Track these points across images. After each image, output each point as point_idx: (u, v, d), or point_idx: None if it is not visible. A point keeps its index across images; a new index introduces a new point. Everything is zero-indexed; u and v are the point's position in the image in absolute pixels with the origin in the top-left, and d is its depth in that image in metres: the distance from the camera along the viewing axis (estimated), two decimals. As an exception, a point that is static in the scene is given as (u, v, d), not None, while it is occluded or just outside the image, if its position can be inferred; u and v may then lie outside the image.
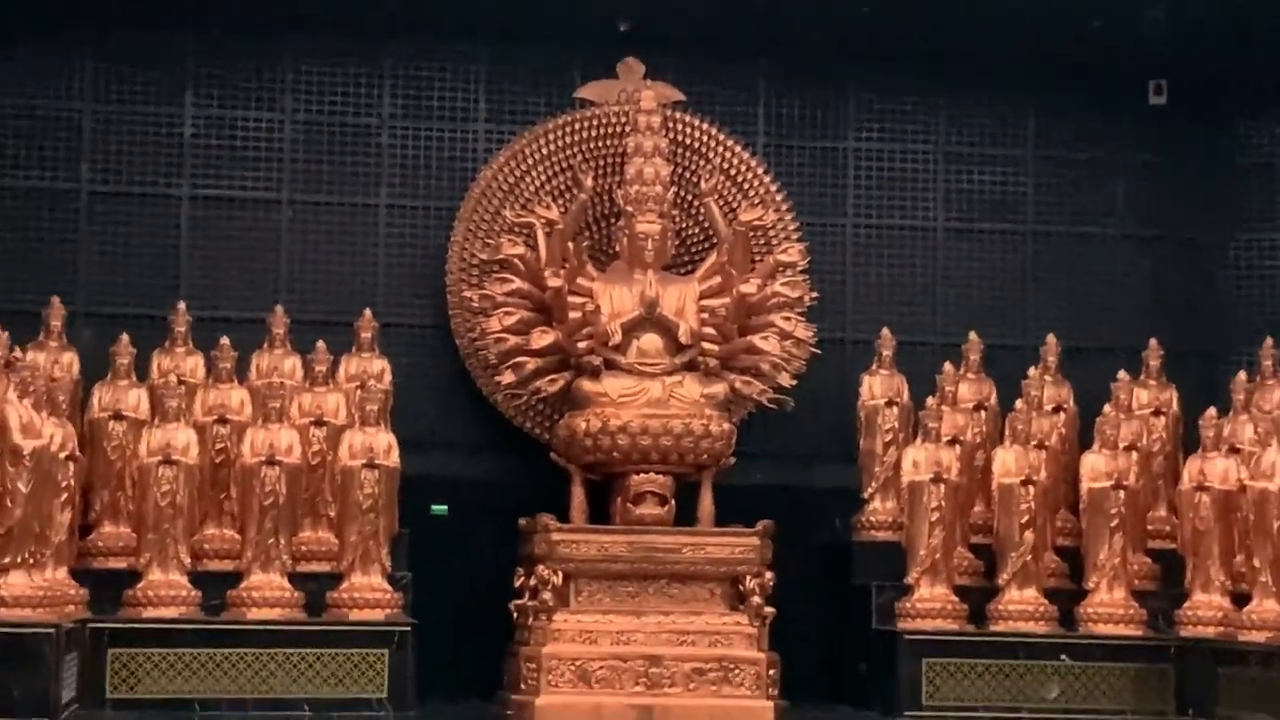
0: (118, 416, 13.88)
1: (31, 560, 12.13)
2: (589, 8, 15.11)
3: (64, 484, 12.71)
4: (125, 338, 14.14)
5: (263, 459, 13.47)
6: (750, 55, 15.92)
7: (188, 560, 13.38)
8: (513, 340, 14.61)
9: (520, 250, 14.83)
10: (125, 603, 13.19)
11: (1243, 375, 14.71)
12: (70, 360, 14.06)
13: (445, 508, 15.14)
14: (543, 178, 15.36)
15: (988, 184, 16.34)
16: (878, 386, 15.11)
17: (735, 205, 15.32)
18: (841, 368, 15.46)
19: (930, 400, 14.74)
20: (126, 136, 15.36)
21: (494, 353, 14.76)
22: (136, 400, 13.93)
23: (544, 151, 15.38)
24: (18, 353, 13.20)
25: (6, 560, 11.99)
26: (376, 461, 13.65)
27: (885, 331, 15.27)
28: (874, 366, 15.20)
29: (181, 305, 14.55)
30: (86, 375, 14.13)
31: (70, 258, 15.16)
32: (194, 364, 14.32)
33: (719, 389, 14.41)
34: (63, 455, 12.64)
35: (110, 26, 15.25)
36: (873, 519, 14.86)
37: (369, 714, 12.91)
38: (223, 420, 13.95)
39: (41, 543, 12.26)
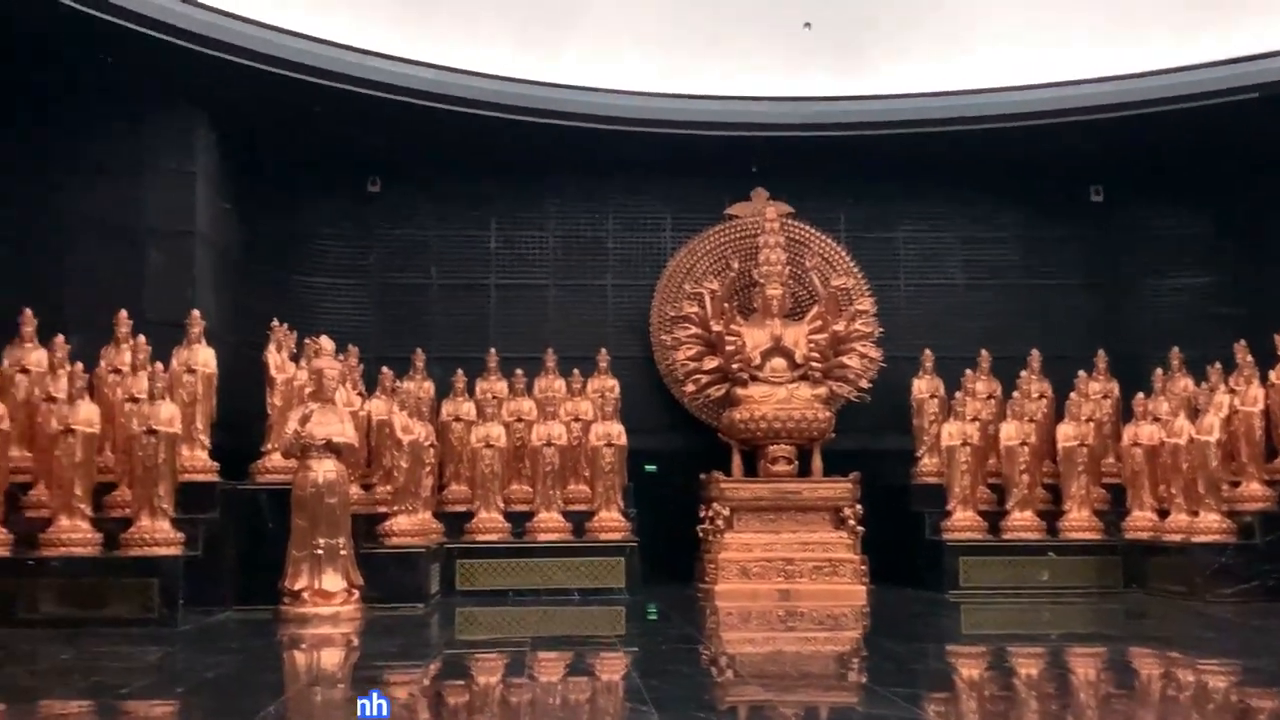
0: (457, 419, 14.03)
1: (410, 508, 12.46)
2: (733, 158, 15.15)
3: (428, 461, 12.97)
4: (460, 371, 14.28)
5: (544, 443, 13.62)
6: (835, 182, 15.78)
7: (502, 505, 13.54)
8: (692, 365, 14.86)
9: (695, 308, 15.02)
10: (465, 532, 13.36)
11: (1159, 371, 14.36)
12: (429, 386, 14.21)
13: (655, 467, 15.06)
14: (707, 263, 15.50)
15: (989, 255, 16.08)
16: (924, 386, 14.89)
17: (828, 275, 15.34)
18: (899, 375, 15.16)
19: (958, 394, 14.55)
20: (457, 249, 15.62)
21: (681, 373, 15.00)
22: (468, 410, 14.08)
23: (707, 247, 15.55)
24: (398, 383, 13.62)
25: (396, 509, 12.36)
26: (612, 442, 13.75)
27: (927, 351, 15.06)
28: (920, 373, 14.97)
29: (492, 350, 14.73)
30: (438, 395, 14.31)
31: (426, 322, 15.38)
32: (501, 386, 14.44)
33: (822, 391, 14.50)
34: (427, 444, 12.93)
35: (443, 181, 15.56)
36: (923, 470, 14.62)
37: (614, 596, 12.92)
38: (519, 419, 14.06)
39: (415, 498, 12.56)
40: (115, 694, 7.27)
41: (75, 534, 10.47)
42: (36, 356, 11.71)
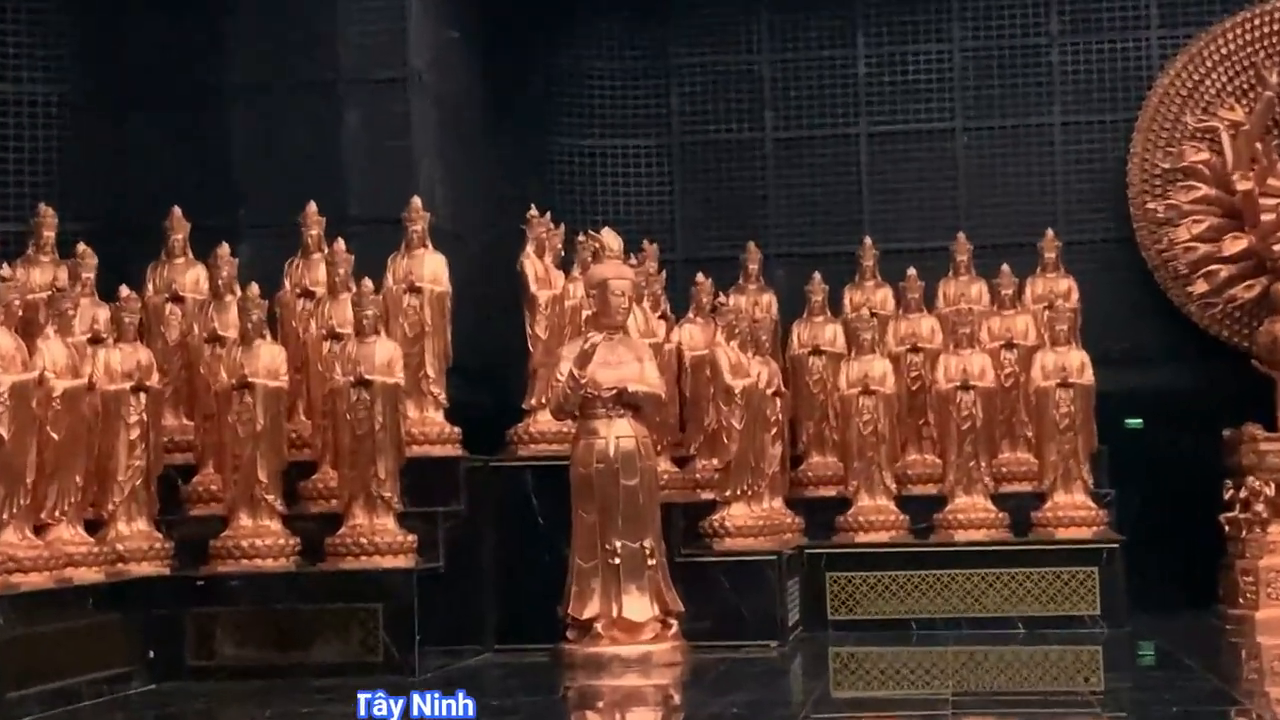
0: (816, 352, 14.20)
1: (749, 492, 12.66)
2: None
3: (773, 419, 13.16)
4: (817, 276, 14.43)
5: (957, 384, 13.52)
6: None
7: (893, 486, 13.66)
8: (1203, 248, 14.52)
9: (1205, 156, 14.63)
10: (838, 529, 13.54)
11: None
12: (769, 301, 14.52)
13: (1140, 421, 14.86)
14: (1223, 79, 14.96)
15: None
16: None
17: None
18: None
19: None
20: (804, 82, 15.73)
21: (1184, 262, 14.69)
22: (833, 335, 14.22)
23: (1223, 52, 14.98)
24: (722, 298, 13.75)
25: (728, 493, 12.62)
26: (1070, 380, 13.49)
27: None
28: None
29: (867, 240, 14.80)
30: (784, 314, 14.52)
31: (759, 203, 15.62)
32: (883, 296, 14.56)
33: None
34: (769, 391, 13.07)
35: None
36: None
37: (1082, 630, 12.77)
38: (915, 349, 14.13)
39: (757, 475, 12.79)
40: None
41: (261, 539, 11.09)
42: (193, 276, 12.44)
